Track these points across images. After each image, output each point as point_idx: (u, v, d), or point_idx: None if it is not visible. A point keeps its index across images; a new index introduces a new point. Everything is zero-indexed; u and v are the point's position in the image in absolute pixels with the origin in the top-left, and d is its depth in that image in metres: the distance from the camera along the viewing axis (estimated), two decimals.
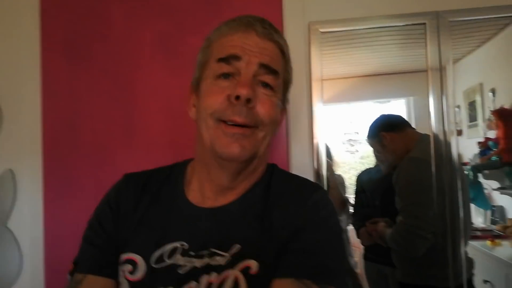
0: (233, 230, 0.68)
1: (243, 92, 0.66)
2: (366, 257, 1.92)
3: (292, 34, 1.31)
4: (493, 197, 2.11)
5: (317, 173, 1.28)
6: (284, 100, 0.79)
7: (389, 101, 2.79)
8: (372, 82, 2.67)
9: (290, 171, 1.10)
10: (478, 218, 2.14)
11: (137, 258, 0.70)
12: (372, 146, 1.76)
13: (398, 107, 2.39)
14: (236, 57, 0.69)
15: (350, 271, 1.60)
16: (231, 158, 0.68)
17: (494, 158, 2.07)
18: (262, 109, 0.69)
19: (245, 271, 0.64)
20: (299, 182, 0.76)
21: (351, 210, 2.00)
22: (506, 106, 2.07)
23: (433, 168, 1.38)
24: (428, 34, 1.30)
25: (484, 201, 2.08)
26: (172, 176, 0.79)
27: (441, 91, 1.31)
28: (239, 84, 0.67)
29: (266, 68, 0.70)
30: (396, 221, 1.48)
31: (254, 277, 0.64)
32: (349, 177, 2.07)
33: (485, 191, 2.09)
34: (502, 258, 1.69)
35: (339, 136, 2.91)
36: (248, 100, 0.67)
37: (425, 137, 1.58)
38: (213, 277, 0.65)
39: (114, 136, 1.41)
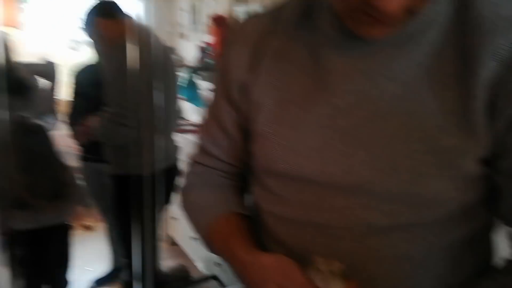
0: None
1: None
2: (84, 157, 1.85)
3: None
4: (207, 97, 2.38)
5: None
6: None
7: None
8: None
9: None
10: (193, 115, 2.37)
11: None
12: (87, 34, 1.60)
13: (126, 4, 2.25)
14: None
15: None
16: None
17: (210, 61, 2.28)
18: None
19: None
20: None
21: (69, 111, 1.85)
22: (224, 14, 2.26)
23: (146, 61, 1.37)
24: None
25: (198, 100, 2.31)
26: None
27: None
28: None
29: None
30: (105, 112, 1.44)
31: None
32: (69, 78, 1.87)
33: (200, 91, 2.33)
34: None
35: (60, 34, 2.58)
36: None
37: (142, 28, 1.54)
38: None
39: None
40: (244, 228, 0.60)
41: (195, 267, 2.24)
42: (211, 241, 0.62)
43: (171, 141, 1.69)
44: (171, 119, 1.69)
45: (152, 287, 1.50)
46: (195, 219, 0.67)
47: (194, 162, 0.70)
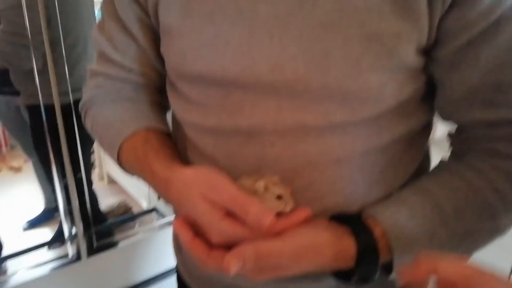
0: None
1: None
2: None
3: None
4: None
5: None
6: None
7: None
8: None
9: None
10: None
11: None
12: None
13: None
14: None
15: None
16: None
17: None
18: None
19: None
20: None
21: None
22: None
23: None
24: None
25: None
26: None
27: None
28: None
29: None
30: None
31: None
32: None
33: None
34: None
35: None
36: None
37: None
38: None
39: None
40: (164, 144, 0.53)
41: (136, 203, 2.21)
42: (126, 161, 0.55)
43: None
44: (86, 45, 1.54)
45: (82, 225, 1.45)
46: (104, 137, 0.58)
47: (94, 72, 0.59)
